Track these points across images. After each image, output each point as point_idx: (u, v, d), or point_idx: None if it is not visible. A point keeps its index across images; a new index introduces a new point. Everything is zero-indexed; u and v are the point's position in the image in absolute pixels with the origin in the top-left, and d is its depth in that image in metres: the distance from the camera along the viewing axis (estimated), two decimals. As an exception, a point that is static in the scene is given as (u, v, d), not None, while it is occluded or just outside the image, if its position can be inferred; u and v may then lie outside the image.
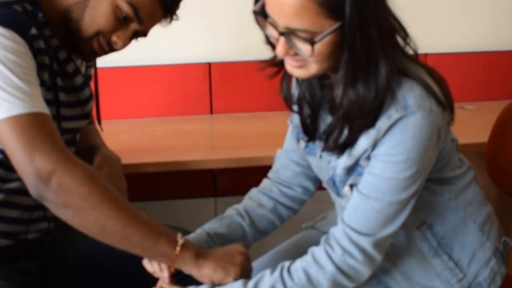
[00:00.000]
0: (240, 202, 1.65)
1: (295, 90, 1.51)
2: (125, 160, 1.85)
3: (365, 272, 1.37)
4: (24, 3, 1.46)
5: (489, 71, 2.84)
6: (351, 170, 1.40)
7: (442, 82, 1.38)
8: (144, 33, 1.58)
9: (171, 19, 1.59)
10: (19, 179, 1.36)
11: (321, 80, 1.43)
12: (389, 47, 1.29)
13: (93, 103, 1.69)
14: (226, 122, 2.58)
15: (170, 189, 2.68)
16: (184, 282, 1.44)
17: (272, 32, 1.30)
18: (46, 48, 1.46)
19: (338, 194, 1.48)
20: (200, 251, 1.41)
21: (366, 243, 1.35)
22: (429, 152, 1.33)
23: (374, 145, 1.33)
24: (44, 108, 1.36)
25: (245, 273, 1.43)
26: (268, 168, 1.70)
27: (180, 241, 1.39)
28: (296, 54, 1.29)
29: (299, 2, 1.21)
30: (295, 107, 1.51)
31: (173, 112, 2.65)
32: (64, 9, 1.51)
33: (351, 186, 1.41)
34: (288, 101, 1.52)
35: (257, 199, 1.64)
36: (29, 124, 1.31)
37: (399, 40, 1.35)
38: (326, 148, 1.42)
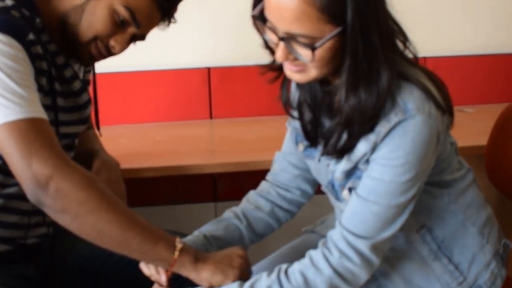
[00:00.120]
0: (239, 206, 1.65)
1: (295, 94, 1.51)
2: (124, 165, 1.85)
3: (363, 275, 1.37)
4: (21, 9, 1.46)
5: (489, 74, 2.84)
6: (350, 173, 1.40)
7: (442, 85, 1.38)
8: (142, 37, 1.58)
9: (169, 22, 1.59)
10: (17, 184, 1.36)
11: (322, 86, 1.42)
12: (390, 51, 1.29)
13: (92, 108, 1.69)
14: (226, 127, 2.58)
15: (170, 194, 2.69)
16: (183, 287, 1.44)
17: (271, 37, 1.30)
18: (43, 53, 1.46)
19: (337, 198, 1.48)
20: (198, 255, 1.41)
21: (364, 246, 1.35)
22: (428, 155, 1.33)
23: (373, 149, 1.33)
24: (41, 113, 1.36)
25: (244, 276, 1.43)
26: (268, 172, 1.69)
27: (179, 245, 1.38)
28: (295, 59, 1.29)
29: (299, 7, 1.21)
30: (295, 113, 1.51)
31: (172, 117, 2.65)
32: (62, 14, 1.52)
33: (350, 190, 1.40)
34: (287, 107, 1.52)
35: (255, 202, 1.64)
36: (27, 129, 1.31)
37: (399, 44, 1.35)
38: (325, 153, 1.42)
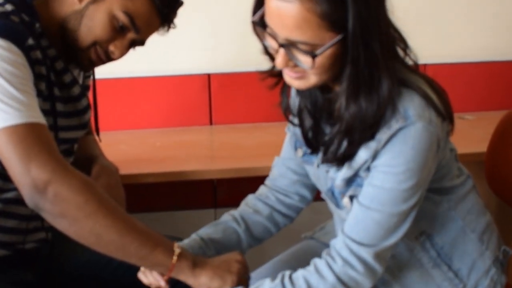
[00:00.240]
0: (238, 211, 1.64)
1: (295, 100, 1.50)
2: (124, 170, 1.85)
3: (366, 284, 1.36)
4: (21, 14, 1.46)
5: (489, 81, 2.84)
6: (350, 181, 1.39)
7: (442, 92, 1.37)
8: (141, 42, 1.58)
9: (169, 27, 1.60)
10: (16, 189, 1.36)
11: (322, 92, 1.42)
12: (390, 59, 1.29)
13: (91, 113, 1.69)
14: (226, 133, 2.58)
15: (170, 200, 2.68)
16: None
17: (271, 43, 1.29)
18: (43, 58, 1.46)
19: (337, 205, 1.48)
20: (196, 260, 1.41)
21: (366, 254, 1.34)
22: (429, 162, 1.33)
23: (374, 156, 1.32)
24: (40, 118, 1.36)
25: (243, 281, 1.43)
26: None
27: (177, 250, 1.38)
28: (295, 65, 1.28)
29: (300, 14, 1.20)
30: (295, 120, 1.50)
31: (172, 123, 2.65)
32: (61, 19, 1.52)
33: (351, 198, 1.40)
34: (287, 113, 1.51)
35: (254, 206, 1.63)
36: (26, 134, 1.31)
37: (399, 51, 1.35)
38: (325, 160, 1.41)
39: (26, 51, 1.40)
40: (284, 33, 1.24)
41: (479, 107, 2.82)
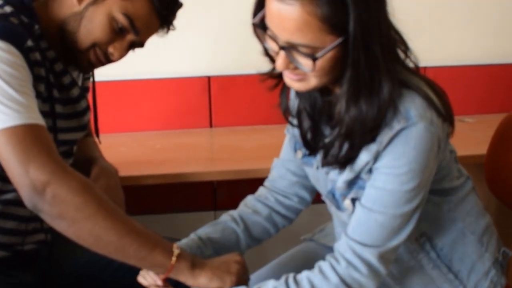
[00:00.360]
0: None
1: (294, 102, 1.50)
2: (124, 172, 1.85)
3: (370, 286, 1.36)
4: (20, 15, 1.46)
5: (490, 84, 2.84)
6: (352, 183, 1.39)
7: (442, 94, 1.37)
8: (141, 44, 1.58)
9: (168, 29, 1.60)
10: (15, 190, 1.36)
11: (321, 94, 1.42)
12: (391, 61, 1.29)
13: (90, 115, 1.69)
14: (226, 136, 2.58)
15: (169, 203, 2.68)
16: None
17: (272, 45, 1.29)
18: (42, 60, 1.46)
19: (338, 207, 1.47)
20: (196, 261, 1.41)
21: (371, 256, 1.34)
22: (430, 163, 1.33)
23: (376, 158, 1.32)
24: (39, 120, 1.36)
25: (242, 282, 1.43)
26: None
27: (176, 251, 1.38)
28: (296, 68, 1.28)
29: (301, 17, 1.20)
30: (295, 121, 1.50)
31: (172, 125, 2.65)
32: (60, 21, 1.52)
33: (353, 201, 1.40)
34: (287, 115, 1.51)
35: (253, 206, 1.63)
36: (24, 135, 1.31)
37: (400, 53, 1.35)
38: (326, 164, 1.41)
39: (25, 52, 1.40)
40: (284, 36, 1.24)
41: (479, 110, 2.82)
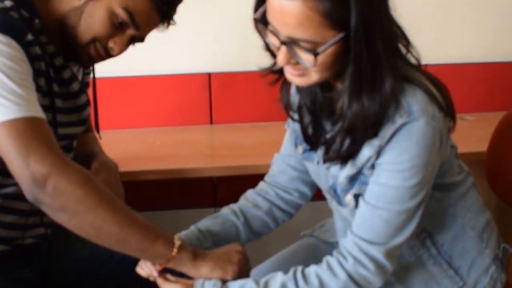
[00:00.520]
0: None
1: (294, 97, 1.50)
2: (124, 168, 1.84)
3: (377, 282, 1.36)
4: (20, 10, 1.46)
5: (490, 82, 2.84)
6: (354, 179, 1.39)
7: (444, 88, 1.37)
8: (141, 39, 1.58)
9: (168, 24, 1.59)
10: (15, 184, 1.36)
11: (323, 92, 1.42)
12: (393, 57, 1.28)
13: (91, 110, 1.69)
14: (226, 132, 2.58)
15: (169, 199, 2.68)
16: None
17: (273, 40, 1.29)
18: (42, 54, 1.46)
19: (340, 202, 1.47)
20: (197, 252, 1.41)
21: (377, 252, 1.34)
22: (433, 158, 1.33)
23: (378, 153, 1.32)
24: (39, 113, 1.36)
25: (243, 272, 1.43)
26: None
27: (177, 242, 1.38)
28: (297, 63, 1.28)
29: (302, 12, 1.19)
30: (296, 116, 1.50)
31: (173, 122, 2.65)
32: (61, 15, 1.52)
33: (356, 197, 1.39)
34: (288, 109, 1.51)
35: (253, 200, 1.63)
36: (25, 128, 1.31)
37: (401, 48, 1.34)
38: (328, 159, 1.41)
39: (25, 46, 1.40)
40: (286, 31, 1.24)
41: (479, 107, 2.83)
